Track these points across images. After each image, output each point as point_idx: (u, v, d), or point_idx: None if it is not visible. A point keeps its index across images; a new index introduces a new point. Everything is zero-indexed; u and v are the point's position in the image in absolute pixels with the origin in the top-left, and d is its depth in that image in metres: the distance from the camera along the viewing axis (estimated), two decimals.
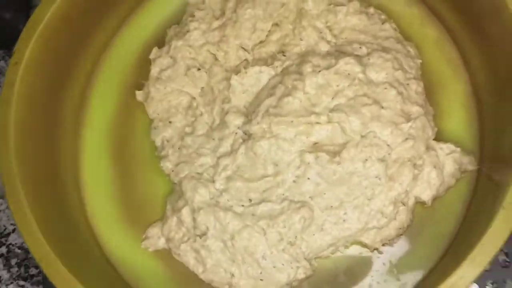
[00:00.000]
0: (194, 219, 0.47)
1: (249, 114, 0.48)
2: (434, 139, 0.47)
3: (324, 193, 0.46)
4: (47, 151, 0.50)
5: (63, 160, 0.51)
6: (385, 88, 0.46)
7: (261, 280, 0.46)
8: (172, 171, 0.50)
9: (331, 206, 0.45)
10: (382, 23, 0.50)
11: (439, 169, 0.46)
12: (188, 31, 0.51)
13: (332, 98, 0.46)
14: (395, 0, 0.52)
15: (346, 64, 0.46)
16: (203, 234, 0.47)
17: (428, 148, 0.46)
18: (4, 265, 0.54)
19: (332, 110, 0.46)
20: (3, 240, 0.54)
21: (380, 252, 0.47)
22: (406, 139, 0.45)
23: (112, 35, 0.55)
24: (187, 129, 0.50)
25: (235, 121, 0.48)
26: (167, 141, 0.51)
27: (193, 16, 0.52)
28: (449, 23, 0.50)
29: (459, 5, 0.48)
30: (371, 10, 0.50)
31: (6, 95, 0.46)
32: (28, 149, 0.47)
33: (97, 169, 0.52)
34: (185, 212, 0.47)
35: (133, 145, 0.53)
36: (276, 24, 0.50)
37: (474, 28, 0.47)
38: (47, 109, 0.50)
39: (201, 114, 0.50)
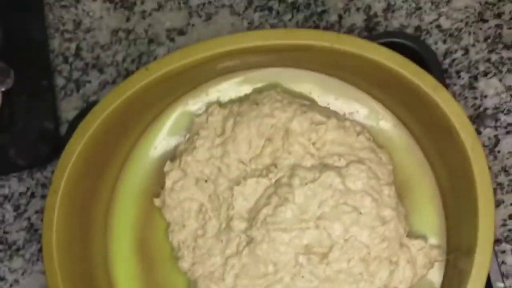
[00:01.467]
0: None
1: (250, 219, 0.57)
2: (407, 236, 0.55)
3: None
4: (84, 260, 0.59)
5: (96, 262, 0.61)
6: (362, 196, 0.55)
7: None
8: (189, 270, 0.59)
9: None
10: (358, 135, 0.58)
11: (412, 263, 0.54)
12: (195, 148, 0.60)
13: (318, 207, 0.55)
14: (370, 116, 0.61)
15: (328, 177, 0.55)
16: None
17: (401, 245, 0.54)
18: None
19: (318, 218, 0.54)
20: None
21: None
22: (382, 240, 0.54)
23: (129, 153, 0.64)
24: (199, 232, 0.59)
25: (238, 226, 0.57)
26: (182, 242, 0.60)
27: (198, 134, 0.61)
28: (416, 133, 0.59)
29: (423, 120, 0.57)
30: (347, 123, 0.59)
31: (48, 219, 0.56)
32: (68, 261, 0.56)
33: (125, 266, 0.61)
34: None
35: (155, 245, 0.61)
36: (269, 139, 0.59)
37: (435, 141, 0.56)
38: (80, 222, 0.59)
39: (210, 219, 0.59)
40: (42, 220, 0.64)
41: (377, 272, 0.54)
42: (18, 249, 0.66)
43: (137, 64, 0.69)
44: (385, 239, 0.54)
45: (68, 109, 0.69)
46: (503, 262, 0.58)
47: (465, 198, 0.52)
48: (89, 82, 0.69)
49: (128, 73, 0.69)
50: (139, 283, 0.61)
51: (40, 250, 0.66)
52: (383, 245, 0.54)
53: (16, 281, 0.65)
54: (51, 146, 0.68)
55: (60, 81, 0.70)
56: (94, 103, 0.61)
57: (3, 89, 0.66)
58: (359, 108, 0.61)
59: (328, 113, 0.59)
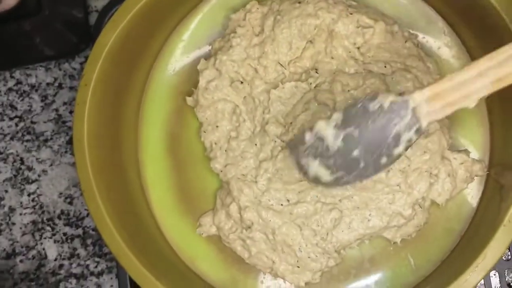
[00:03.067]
0: (240, 215, 0.56)
1: (286, 124, 0.56)
2: (448, 149, 0.54)
3: (352, 197, 0.53)
4: (114, 151, 0.58)
5: (127, 158, 0.59)
6: None
7: (298, 267, 0.55)
8: (221, 171, 0.58)
9: (358, 208, 0.53)
10: (405, 41, 0.55)
11: (453, 177, 0.53)
12: (231, 46, 0.57)
13: None
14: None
15: (372, 85, 0.53)
16: (248, 227, 0.55)
17: (443, 158, 0.53)
18: (81, 244, 0.64)
19: None
20: (79, 223, 0.64)
21: (399, 245, 0.55)
22: (424, 152, 0.52)
23: (161, 48, 0.61)
24: (232, 134, 0.58)
25: (274, 130, 0.56)
26: (215, 143, 0.58)
27: (235, 32, 0.58)
28: (467, 41, 0.56)
29: (475, 25, 0.53)
30: (396, 28, 0.56)
31: (79, 112, 0.54)
32: (99, 153, 0.55)
33: (156, 165, 0.60)
34: (233, 208, 0.56)
35: (186, 144, 0.60)
36: (310, 41, 0.56)
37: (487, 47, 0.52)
38: (111, 117, 0.58)
39: (244, 121, 0.57)
40: (70, 112, 0.63)
41: (416, 184, 0.52)
42: (46, 140, 0.65)
43: None
44: (427, 152, 0.52)
45: None
46: None
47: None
48: None
49: None
50: (170, 182, 0.60)
51: (68, 142, 0.65)
52: (424, 157, 0.52)
53: (44, 171, 0.65)
54: (80, 35, 0.65)
55: None
56: None
57: None
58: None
59: (376, 15, 0.56)
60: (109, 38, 0.54)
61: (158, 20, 0.59)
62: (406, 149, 0.43)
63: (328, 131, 0.45)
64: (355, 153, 0.44)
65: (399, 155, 0.44)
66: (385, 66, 0.54)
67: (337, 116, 0.45)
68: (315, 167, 0.47)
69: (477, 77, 0.40)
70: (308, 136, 0.46)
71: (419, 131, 0.42)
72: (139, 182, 0.60)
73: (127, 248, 0.53)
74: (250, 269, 0.57)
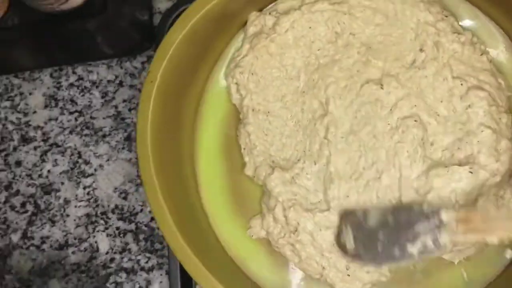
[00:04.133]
0: (285, 217, 0.56)
1: None
2: None
3: None
4: (173, 150, 0.59)
5: (184, 155, 0.60)
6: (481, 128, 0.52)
7: (348, 275, 0.55)
8: (254, 176, 0.59)
9: None
10: (481, 54, 0.55)
11: None
12: None
13: None
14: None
15: None
16: (295, 230, 0.56)
17: (510, 177, 0.52)
18: (134, 239, 0.65)
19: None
20: (132, 218, 0.65)
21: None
22: (495, 175, 0.52)
23: (224, 49, 0.63)
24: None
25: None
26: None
27: None
28: None
29: None
30: (475, 39, 0.55)
31: (143, 108, 0.55)
32: (159, 149, 0.56)
33: (211, 164, 0.61)
34: (278, 211, 0.56)
35: (239, 145, 0.61)
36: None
37: None
38: (172, 114, 0.59)
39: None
40: (129, 110, 0.65)
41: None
42: (104, 136, 0.67)
43: None
44: (498, 174, 0.52)
45: None
46: None
47: None
48: None
49: None
50: (223, 182, 0.61)
51: (126, 138, 0.66)
52: (495, 179, 0.51)
53: (101, 166, 0.66)
54: (143, 36, 0.67)
55: None
56: None
57: None
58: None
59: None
60: (175, 38, 0.56)
61: (223, 24, 0.60)
62: (419, 254, 0.45)
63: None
64: (380, 235, 0.47)
65: (410, 256, 0.45)
66: (461, 84, 0.53)
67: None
68: (349, 233, 0.50)
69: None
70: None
71: (436, 243, 0.44)
72: (194, 179, 0.61)
73: (183, 241, 0.54)
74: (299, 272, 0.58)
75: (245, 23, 0.61)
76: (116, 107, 0.67)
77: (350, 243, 0.49)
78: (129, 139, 0.66)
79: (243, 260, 0.59)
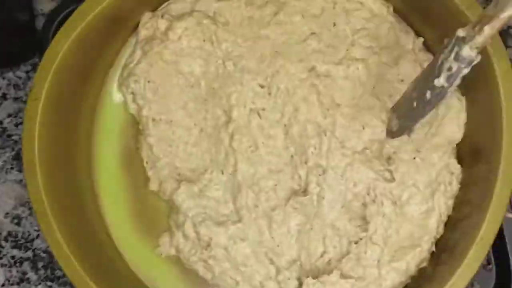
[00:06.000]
0: (196, 232, 0.53)
1: None
2: None
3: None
4: (67, 169, 0.54)
5: (81, 176, 0.56)
6: None
7: None
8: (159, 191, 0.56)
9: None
10: None
11: None
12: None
13: None
14: None
15: None
16: (208, 245, 0.53)
17: None
18: (32, 268, 0.59)
19: None
20: (28, 245, 0.60)
21: None
22: None
23: (115, 58, 0.58)
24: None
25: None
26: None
27: None
28: None
29: None
30: None
31: (28, 129, 0.50)
32: (51, 174, 0.51)
33: (112, 181, 0.57)
34: (187, 227, 0.53)
35: (141, 158, 0.57)
36: None
37: None
38: (64, 133, 0.54)
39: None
40: (16, 125, 0.59)
41: None
42: None
43: None
44: None
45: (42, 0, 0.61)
46: None
47: None
48: None
49: None
50: (126, 199, 0.57)
51: (14, 157, 0.60)
52: None
53: None
54: (25, 42, 0.61)
55: None
56: None
57: None
58: None
59: None
60: (61, 47, 0.51)
61: (113, 27, 0.55)
62: (448, 80, 0.41)
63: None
64: (414, 94, 0.46)
65: (442, 88, 0.42)
66: None
67: None
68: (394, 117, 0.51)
69: None
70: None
71: (459, 57, 0.39)
72: (94, 202, 0.57)
73: (82, 270, 0.50)
74: None
75: (137, 25, 0.56)
76: (1, 122, 0.61)
77: (395, 124, 0.50)
78: (18, 158, 0.60)
79: (153, 282, 0.56)
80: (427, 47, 0.55)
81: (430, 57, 0.54)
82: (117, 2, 0.52)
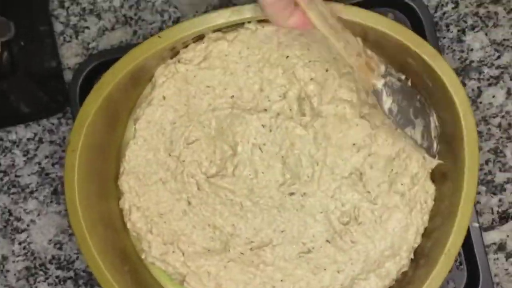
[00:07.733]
0: None
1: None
2: None
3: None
4: (100, 199, 0.63)
5: (111, 204, 0.66)
6: None
7: None
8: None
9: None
10: None
11: None
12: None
13: None
14: None
15: None
16: None
17: None
18: (74, 285, 0.70)
19: None
20: (70, 266, 0.70)
21: None
22: None
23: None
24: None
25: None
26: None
27: None
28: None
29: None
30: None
31: (69, 177, 0.60)
32: (87, 202, 0.61)
33: None
34: None
35: None
36: None
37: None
38: (98, 173, 0.63)
39: None
40: (53, 165, 0.68)
41: None
42: (31, 192, 0.70)
43: (135, 10, 0.69)
44: None
45: (68, 55, 0.70)
46: (478, 202, 0.66)
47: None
48: (88, 28, 0.70)
49: (126, 20, 0.69)
50: None
51: (53, 192, 0.70)
52: None
53: (33, 221, 0.70)
54: (54, 89, 0.69)
55: (58, 27, 0.70)
56: (101, 52, 0.67)
57: (3, 39, 0.66)
58: None
59: None
60: (94, 104, 0.60)
61: (135, 82, 0.64)
62: None
63: None
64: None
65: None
66: None
67: None
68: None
69: None
70: None
71: None
72: (125, 228, 0.66)
73: (117, 285, 0.60)
74: None
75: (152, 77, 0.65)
76: (39, 163, 0.70)
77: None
78: (56, 193, 0.70)
79: None
80: None
81: None
82: (141, 62, 0.60)
